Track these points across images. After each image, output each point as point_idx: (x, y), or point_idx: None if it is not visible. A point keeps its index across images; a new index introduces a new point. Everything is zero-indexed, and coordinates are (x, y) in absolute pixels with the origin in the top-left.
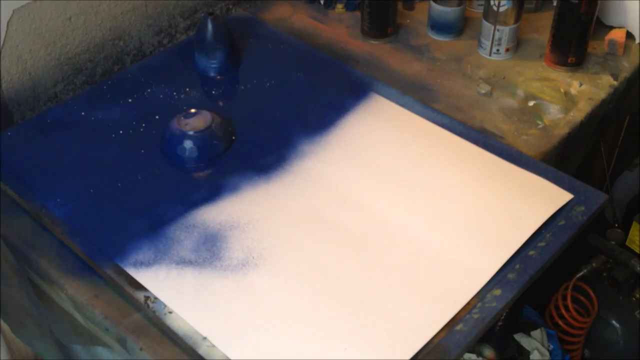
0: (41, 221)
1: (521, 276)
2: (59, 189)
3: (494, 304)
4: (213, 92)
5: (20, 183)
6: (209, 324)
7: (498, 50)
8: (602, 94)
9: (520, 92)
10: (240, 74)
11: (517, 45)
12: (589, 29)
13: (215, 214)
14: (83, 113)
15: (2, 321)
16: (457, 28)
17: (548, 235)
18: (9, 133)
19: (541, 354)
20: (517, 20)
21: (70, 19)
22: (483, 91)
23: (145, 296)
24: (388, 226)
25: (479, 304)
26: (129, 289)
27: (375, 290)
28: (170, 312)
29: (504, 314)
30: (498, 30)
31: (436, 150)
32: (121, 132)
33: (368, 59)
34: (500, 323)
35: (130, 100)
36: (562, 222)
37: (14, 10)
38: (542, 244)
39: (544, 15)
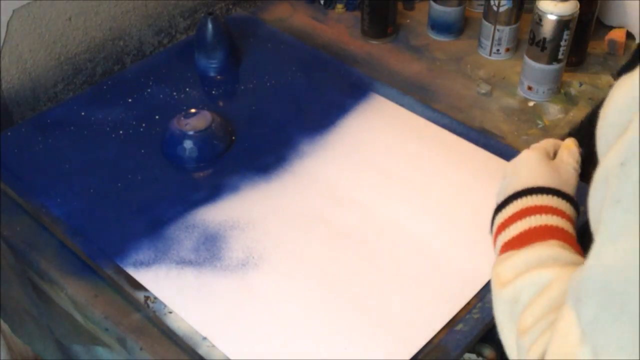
0: (41, 221)
1: None
2: (59, 189)
3: None
4: (213, 92)
5: (20, 183)
6: (209, 324)
7: (498, 50)
8: (602, 94)
9: (520, 92)
10: (240, 74)
11: (517, 45)
12: (589, 29)
13: (215, 214)
14: (83, 113)
15: (2, 321)
16: (457, 28)
17: None
18: (9, 133)
19: None
20: (517, 20)
21: (70, 19)
22: (483, 91)
23: (145, 296)
24: (388, 226)
25: (479, 304)
26: (129, 289)
27: (376, 290)
28: (170, 312)
29: None
30: (498, 30)
31: (436, 150)
32: (121, 132)
33: (368, 59)
34: None
35: (130, 100)
36: None
37: (14, 10)
38: None
39: None
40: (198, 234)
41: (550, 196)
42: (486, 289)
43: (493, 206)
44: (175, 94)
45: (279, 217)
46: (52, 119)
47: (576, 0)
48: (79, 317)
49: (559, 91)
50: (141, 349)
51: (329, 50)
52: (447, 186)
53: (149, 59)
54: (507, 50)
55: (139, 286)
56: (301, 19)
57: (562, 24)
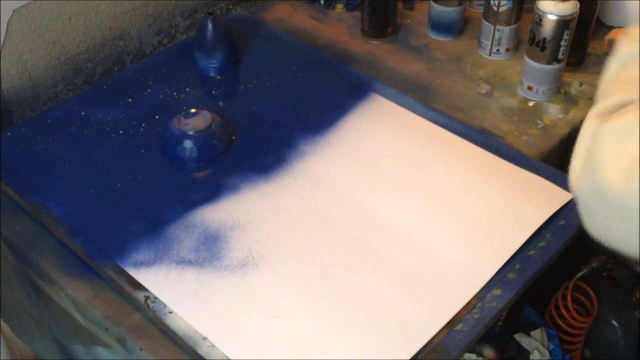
0: (41, 221)
1: (521, 276)
2: (59, 189)
3: (494, 304)
4: (213, 92)
5: (20, 183)
6: (209, 324)
7: (498, 50)
8: None
9: (520, 92)
10: (240, 74)
11: (517, 45)
12: (589, 29)
13: (215, 214)
14: (83, 113)
15: (2, 321)
16: (457, 28)
17: (548, 235)
18: (9, 133)
19: (541, 354)
20: (517, 20)
21: (70, 19)
22: (483, 91)
23: (145, 296)
24: (388, 226)
25: (479, 304)
26: (129, 289)
27: (376, 290)
28: (170, 312)
29: (504, 314)
30: (498, 30)
31: (436, 150)
32: (121, 132)
33: (368, 59)
34: (500, 323)
35: (130, 100)
36: (562, 222)
37: (14, 10)
38: (542, 244)
39: None
40: (198, 234)
41: None
42: (486, 289)
43: (493, 206)
44: (175, 94)
45: (279, 217)
46: (52, 119)
47: (576, 0)
48: (79, 317)
49: (559, 91)
50: (141, 349)
51: (329, 50)
52: (447, 186)
53: (149, 59)
54: (507, 50)
55: (139, 286)
56: (301, 19)
57: (562, 24)
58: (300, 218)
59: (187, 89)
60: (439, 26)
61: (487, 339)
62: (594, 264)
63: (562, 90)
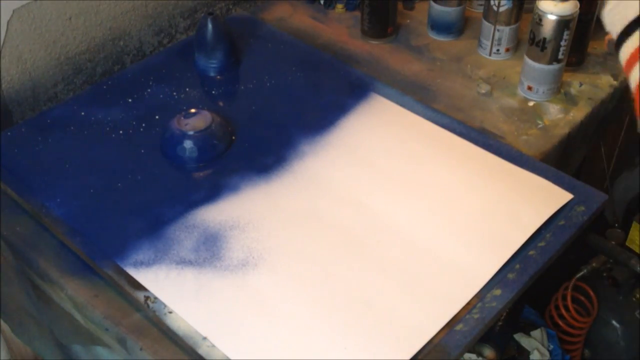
0: (41, 221)
1: (521, 276)
2: (59, 189)
3: (494, 304)
4: (213, 92)
5: (20, 183)
6: (209, 324)
7: (498, 50)
8: (602, 94)
9: (520, 92)
10: (240, 74)
11: (517, 45)
12: (589, 29)
13: (215, 214)
14: (83, 113)
15: (2, 321)
16: (457, 28)
17: (548, 235)
18: (9, 133)
19: (541, 354)
20: (517, 20)
21: (70, 19)
22: (483, 91)
23: (145, 296)
24: (388, 226)
25: (479, 304)
26: (129, 289)
27: (376, 290)
28: (170, 312)
29: (504, 314)
30: (498, 30)
31: (436, 150)
32: (121, 132)
33: (368, 59)
34: (500, 323)
35: (130, 100)
36: (562, 222)
37: (14, 10)
38: (542, 244)
39: None
40: (198, 234)
41: None
42: (486, 289)
43: (493, 206)
44: (175, 94)
45: (279, 217)
46: (52, 119)
47: (576, 0)
48: (79, 317)
49: (559, 91)
50: (141, 349)
51: (329, 50)
52: (447, 186)
53: (149, 59)
54: (507, 50)
55: (139, 286)
56: (301, 19)
57: (562, 24)
58: (300, 218)
59: (187, 89)
60: (439, 26)
61: (487, 339)
62: (594, 264)
63: (562, 90)
